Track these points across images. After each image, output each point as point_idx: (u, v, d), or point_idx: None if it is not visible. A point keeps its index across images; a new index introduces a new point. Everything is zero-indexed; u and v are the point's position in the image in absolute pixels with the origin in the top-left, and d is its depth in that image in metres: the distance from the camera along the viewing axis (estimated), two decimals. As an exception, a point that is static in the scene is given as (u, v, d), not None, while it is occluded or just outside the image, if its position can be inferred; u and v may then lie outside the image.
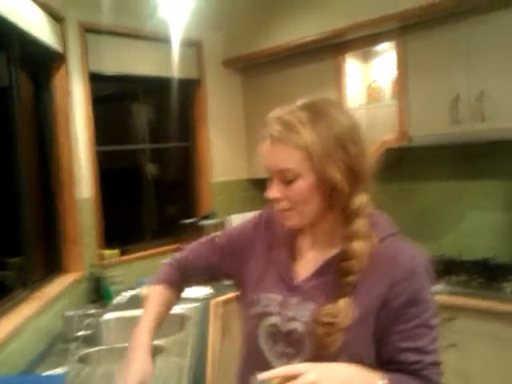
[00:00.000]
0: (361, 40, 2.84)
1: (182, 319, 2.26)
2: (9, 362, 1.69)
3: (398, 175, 2.95)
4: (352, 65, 2.99)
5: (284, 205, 0.96)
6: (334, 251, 0.98)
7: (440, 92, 2.53)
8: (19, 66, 2.18)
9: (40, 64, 2.48)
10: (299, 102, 0.97)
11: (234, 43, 3.36)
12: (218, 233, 1.29)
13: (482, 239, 2.73)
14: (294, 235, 1.06)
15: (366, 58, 3.06)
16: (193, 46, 3.26)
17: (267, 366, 0.94)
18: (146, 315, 1.16)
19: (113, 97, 3.14)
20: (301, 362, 0.93)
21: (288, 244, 1.07)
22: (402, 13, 2.50)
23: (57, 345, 2.03)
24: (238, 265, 1.15)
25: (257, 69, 3.40)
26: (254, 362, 1.03)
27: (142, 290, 2.54)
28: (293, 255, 1.05)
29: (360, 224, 0.94)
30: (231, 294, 2.57)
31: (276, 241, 1.09)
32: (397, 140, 2.69)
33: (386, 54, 2.92)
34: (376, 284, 0.92)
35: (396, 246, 0.97)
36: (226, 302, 2.59)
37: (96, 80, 2.78)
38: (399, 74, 2.69)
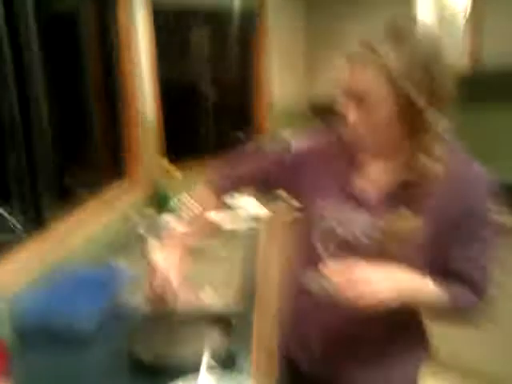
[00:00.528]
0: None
1: (233, 234, 2.29)
2: (72, 257, 1.73)
3: (465, 101, 2.77)
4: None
5: (361, 127, 0.95)
6: (402, 170, 0.98)
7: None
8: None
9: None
10: (381, 23, 0.94)
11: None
12: (274, 147, 1.30)
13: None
14: (357, 149, 1.05)
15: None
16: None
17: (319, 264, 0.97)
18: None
19: (174, 23, 3.13)
20: None
21: (349, 156, 1.06)
22: None
23: (120, 242, 2.10)
24: (295, 176, 1.16)
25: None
26: (307, 259, 1.07)
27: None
28: (354, 167, 1.06)
29: (436, 148, 0.93)
30: (286, 216, 2.55)
31: (337, 153, 1.09)
32: (467, 63, 2.53)
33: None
34: (447, 206, 0.94)
35: (469, 170, 0.97)
36: (282, 223, 2.59)
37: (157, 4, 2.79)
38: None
